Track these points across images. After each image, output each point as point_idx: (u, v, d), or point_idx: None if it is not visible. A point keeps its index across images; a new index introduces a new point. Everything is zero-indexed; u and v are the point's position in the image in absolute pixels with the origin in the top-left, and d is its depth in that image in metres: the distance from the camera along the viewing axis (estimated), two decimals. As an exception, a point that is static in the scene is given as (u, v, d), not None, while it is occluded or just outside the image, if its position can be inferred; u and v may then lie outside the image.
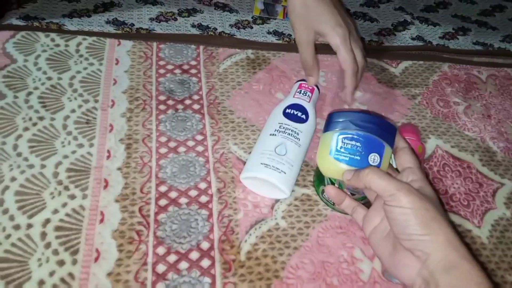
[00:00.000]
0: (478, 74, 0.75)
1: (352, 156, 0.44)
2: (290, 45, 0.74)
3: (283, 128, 0.55)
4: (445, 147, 0.62)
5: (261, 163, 0.51)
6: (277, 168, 0.51)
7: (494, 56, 0.80)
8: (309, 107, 0.58)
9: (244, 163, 0.56)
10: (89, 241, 0.47)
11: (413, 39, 0.80)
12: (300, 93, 0.60)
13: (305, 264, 0.48)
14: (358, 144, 0.44)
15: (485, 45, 0.82)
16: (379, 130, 0.44)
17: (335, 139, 0.45)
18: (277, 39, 0.76)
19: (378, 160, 0.44)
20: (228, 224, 0.50)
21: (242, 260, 0.48)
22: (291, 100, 0.59)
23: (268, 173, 0.51)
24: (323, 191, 0.53)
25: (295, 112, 0.57)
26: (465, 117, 0.68)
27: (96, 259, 0.46)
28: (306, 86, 0.61)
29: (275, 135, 0.54)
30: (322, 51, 0.73)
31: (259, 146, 0.54)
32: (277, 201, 0.53)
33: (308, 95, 0.60)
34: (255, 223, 0.51)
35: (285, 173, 0.51)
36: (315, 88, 0.62)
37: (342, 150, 0.44)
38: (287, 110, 0.57)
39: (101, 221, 0.49)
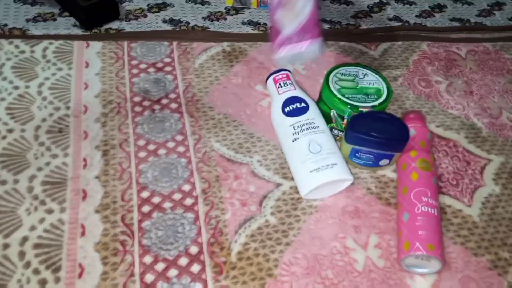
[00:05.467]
0: (457, 51, 0.75)
1: None
2: (266, 35, 0.72)
3: (297, 127, 0.53)
4: (430, 127, 0.62)
5: (311, 171, 0.49)
6: (327, 165, 0.49)
7: (471, 32, 0.79)
8: (300, 93, 0.56)
9: (228, 159, 0.54)
10: (71, 256, 0.45)
11: (390, 19, 0.79)
12: (281, 86, 0.58)
13: (298, 259, 0.47)
14: None
15: (461, 21, 0.81)
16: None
17: None
18: (252, 29, 0.74)
19: None
20: (216, 226, 0.49)
21: (234, 261, 0.46)
22: (279, 98, 0.56)
23: (324, 175, 0.49)
24: (331, 129, 0.56)
25: (293, 106, 0.55)
26: (447, 95, 0.67)
27: (80, 274, 0.44)
28: (280, 77, 0.58)
29: (298, 138, 0.52)
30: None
31: (294, 158, 0.52)
32: (264, 197, 0.51)
33: (289, 83, 0.58)
34: (244, 222, 0.49)
35: (336, 164, 0.50)
36: (288, 72, 0.59)
37: None
38: (286, 109, 0.55)
39: (82, 234, 0.46)
